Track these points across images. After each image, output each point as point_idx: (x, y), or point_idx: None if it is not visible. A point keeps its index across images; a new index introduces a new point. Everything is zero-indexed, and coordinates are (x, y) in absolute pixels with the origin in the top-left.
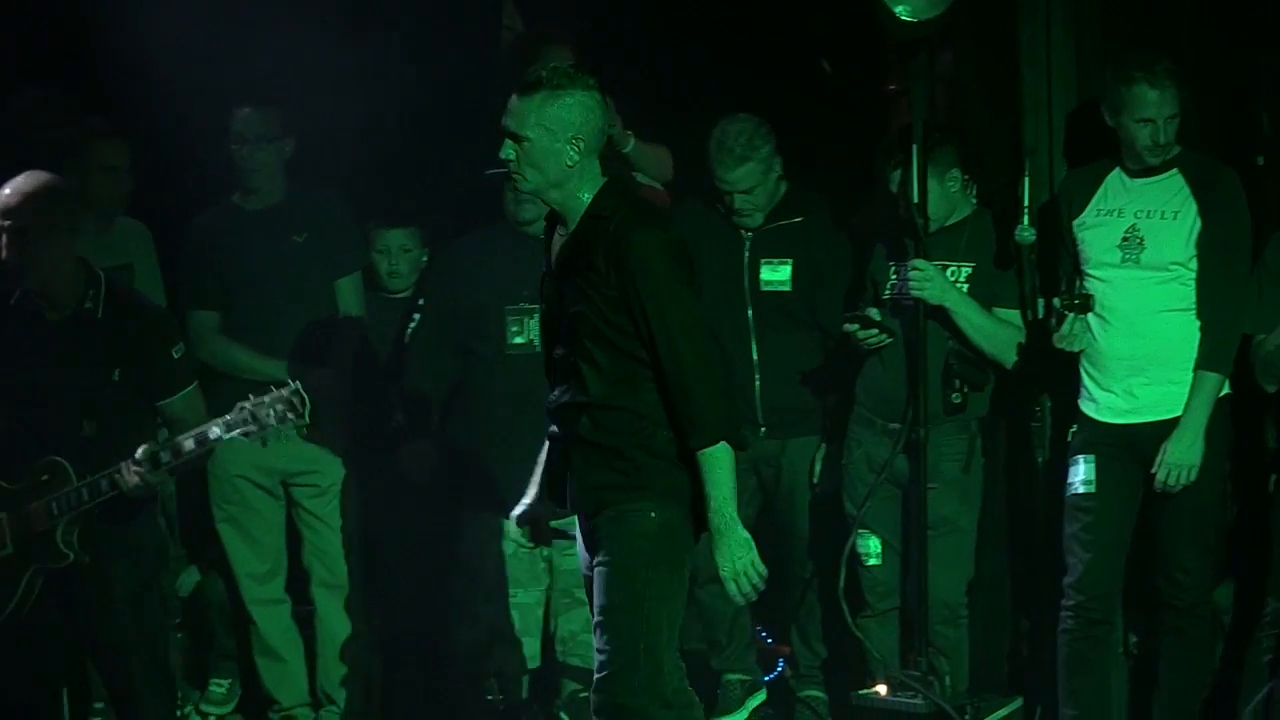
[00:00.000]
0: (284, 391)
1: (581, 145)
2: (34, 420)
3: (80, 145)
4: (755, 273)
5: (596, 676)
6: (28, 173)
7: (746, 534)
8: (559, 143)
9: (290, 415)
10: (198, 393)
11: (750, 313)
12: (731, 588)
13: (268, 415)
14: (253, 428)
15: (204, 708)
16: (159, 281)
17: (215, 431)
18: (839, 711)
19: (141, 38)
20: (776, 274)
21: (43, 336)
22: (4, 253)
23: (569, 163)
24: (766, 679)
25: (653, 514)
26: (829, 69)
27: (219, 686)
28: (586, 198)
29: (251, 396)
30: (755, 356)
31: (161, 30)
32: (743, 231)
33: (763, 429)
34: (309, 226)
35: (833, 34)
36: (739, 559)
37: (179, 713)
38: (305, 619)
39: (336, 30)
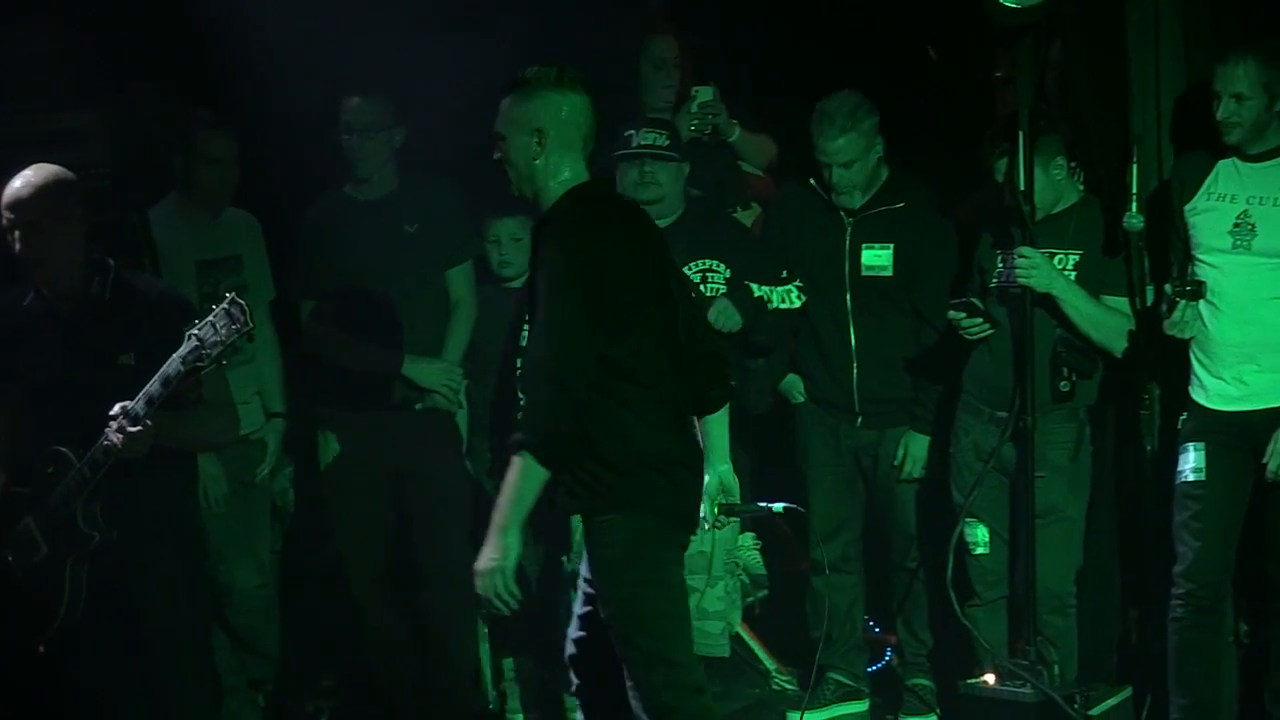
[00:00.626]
0: (222, 305)
1: (544, 138)
2: (47, 414)
3: (187, 137)
4: (856, 257)
5: (628, 684)
6: (35, 166)
7: (512, 545)
8: (523, 136)
9: (234, 326)
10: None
11: (848, 297)
12: (476, 582)
13: (213, 334)
14: (206, 350)
15: (316, 702)
16: (268, 272)
17: (175, 366)
18: (947, 700)
19: (249, 29)
20: (878, 258)
21: (55, 331)
22: (16, 246)
23: (532, 156)
24: (872, 669)
25: (618, 523)
26: (935, 56)
27: (326, 679)
28: (559, 191)
29: (196, 323)
30: (853, 343)
31: (269, 21)
32: (844, 217)
33: (859, 418)
34: (420, 216)
35: (939, 21)
36: (492, 560)
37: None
38: (416, 610)
39: (445, 19)
